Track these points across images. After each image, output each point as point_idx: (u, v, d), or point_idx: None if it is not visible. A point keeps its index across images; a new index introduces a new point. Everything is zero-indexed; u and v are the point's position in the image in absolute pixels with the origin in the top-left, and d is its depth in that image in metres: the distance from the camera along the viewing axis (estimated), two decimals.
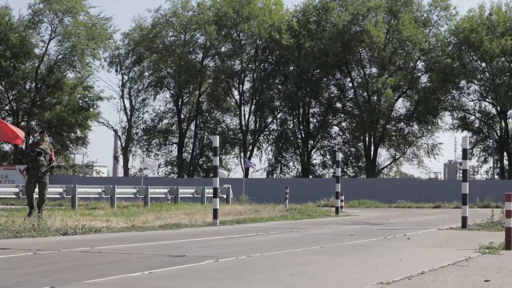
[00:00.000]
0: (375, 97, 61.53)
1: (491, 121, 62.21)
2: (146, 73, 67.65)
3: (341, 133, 67.14)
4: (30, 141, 61.95)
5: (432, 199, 43.48)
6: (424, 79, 63.98)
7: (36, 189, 19.21)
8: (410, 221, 22.95)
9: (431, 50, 61.93)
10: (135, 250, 11.69)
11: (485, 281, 8.16)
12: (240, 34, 64.96)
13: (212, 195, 20.57)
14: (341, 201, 29.48)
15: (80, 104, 65.15)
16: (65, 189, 29.64)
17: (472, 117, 63.37)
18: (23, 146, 52.48)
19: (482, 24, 59.69)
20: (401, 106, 64.87)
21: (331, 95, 65.98)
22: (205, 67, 65.93)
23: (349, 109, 65.30)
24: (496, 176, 60.88)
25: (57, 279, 8.04)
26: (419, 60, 63.57)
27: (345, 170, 64.06)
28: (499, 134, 61.33)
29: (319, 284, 7.78)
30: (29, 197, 19.13)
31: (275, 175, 65.46)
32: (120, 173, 77.56)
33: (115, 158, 78.01)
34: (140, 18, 71.05)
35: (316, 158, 66.52)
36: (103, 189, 31.19)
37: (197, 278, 8.18)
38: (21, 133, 20.07)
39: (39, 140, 19.70)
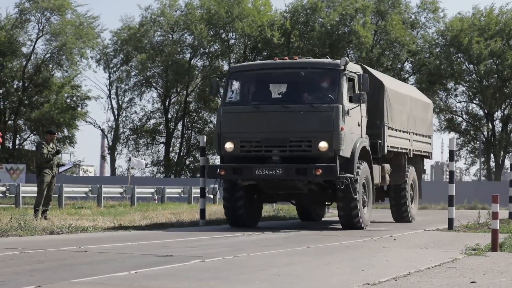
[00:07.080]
0: None
1: (478, 123, 62.38)
2: (133, 73, 67.53)
3: None
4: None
5: None
6: (411, 80, 64.09)
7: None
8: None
9: (418, 51, 62.07)
10: (122, 249, 11.66)
11: (471, 282, 8.17)
12: (229, 34, 64.96)
13: (199, 195, 20.54)
14: None
15: (68, 103, 64.94)
16: None
17: (460, 119, 63.57)
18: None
19: (473, 25, 59.82)
20: None
21: None
22: (193, 67, 65.85)
23: None
24: (483, 178, 61.04)
25: (43, 278, 8.02)
26: (406, 62, 63.72)
27: None
28: (486, 136, 61.51)
29: (305, 285, 7.78)
30: (42, 196, 18.85)
31: None
32: (107, 172, 77.42)
33: (102, 158, 77.88)
34: (127, 18, 70.88)
35: None
36: (90, 189, 31.10)
37: (184, 278, 8.17)
38: None
39: (48, 140, 19.32)
